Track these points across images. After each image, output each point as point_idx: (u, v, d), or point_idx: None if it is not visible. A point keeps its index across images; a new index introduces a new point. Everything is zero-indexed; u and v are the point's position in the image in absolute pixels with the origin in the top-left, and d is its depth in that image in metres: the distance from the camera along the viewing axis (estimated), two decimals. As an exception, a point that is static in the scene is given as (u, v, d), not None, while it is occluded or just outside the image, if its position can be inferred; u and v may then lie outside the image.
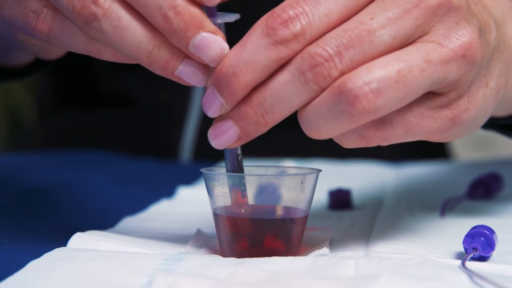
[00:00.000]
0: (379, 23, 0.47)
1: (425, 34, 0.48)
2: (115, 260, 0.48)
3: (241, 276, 0.45)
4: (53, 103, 1.12)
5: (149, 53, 0.49)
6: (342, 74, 0.47)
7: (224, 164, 0.52)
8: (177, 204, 0.72)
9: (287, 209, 0.52)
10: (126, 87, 1.04)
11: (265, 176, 0.54)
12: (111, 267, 0.47)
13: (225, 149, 0.51)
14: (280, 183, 0.52)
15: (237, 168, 0.52)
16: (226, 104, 0.49)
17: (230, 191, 0.52)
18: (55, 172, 0.85)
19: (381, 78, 0.47)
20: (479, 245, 0.51)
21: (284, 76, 0.48)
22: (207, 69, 0.49)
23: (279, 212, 0.52)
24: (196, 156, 1.01)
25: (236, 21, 0.51)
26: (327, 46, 0.47)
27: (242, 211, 0.52)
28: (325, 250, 0.53)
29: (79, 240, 0.53)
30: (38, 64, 0.73)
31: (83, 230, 0.54)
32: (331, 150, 0.97)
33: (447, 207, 0.68)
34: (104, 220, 0.62)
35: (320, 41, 0.47)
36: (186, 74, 0.49)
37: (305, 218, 0.53)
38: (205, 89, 0.49)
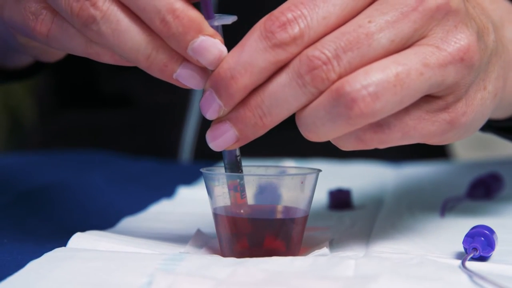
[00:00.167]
0: (377, 26, 0.47)
1: (423, 37, 0.48)
2: (115, 260, 0.48)
3: (241, 276, 0.45)
4: (53, 103, 1.12)
5: (148, 56, 0.49)
6: (340, 77, 0.47)
7: (223, 165, 0.52)
8: (177, 204, 0.72)
9: (287, 209, 0.52)
10: (126, 87, 1.04)
11: (265, 176, 0.54)
12: (111, 267, 0.47)
13: (224, 150, 0.51)
14: (280, 183, 0.52)
15: (236, 169, 0.52)
16: (224, 106, 0.49)
17: (229, 192, 0.52)
18: (55, 172, 0.85)
19: (379, 82, 0.47)
20: (479, 245, 0.51)
21: (282, 78, 0.48)
22: (205, 72, 0.49)
23: (279, 212, 0.52)
24: (196, 156, 1.01)
25: (234, 23, 0.51)
26: (325, 49, 0.47)
27: (242, 211, 0.52)
28: (325, 250, 0.53)
29: (79, 240, 0.53)
30: (38, 66, 0.73)
31: (83, 230, 0.54)
32: (331, 150, 0.97)
33: (447, 207, 0.68)
34: (104, 220, 0.62)
35: (318, 44, 0.47)
36: (184, 77, 0.49)
37: (305, 218, 0.53)
38: (203, 91, 0.49)
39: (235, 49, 0.48)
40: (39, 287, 0.44)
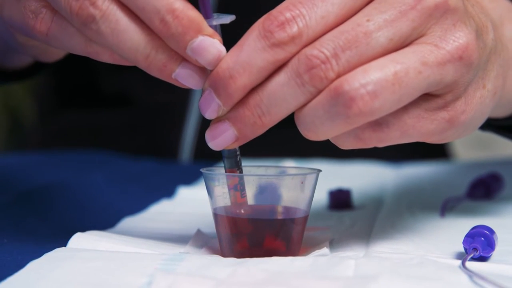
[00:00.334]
0: (375, 25, 0.47)
1: (421, 36, 0.48)
2: (115, 260, 0.48)
3: (241, 276, 0.45)
4: (53, 103, 1.12)
5: (147, 56, 0.49)
6: (338, 76, 0.47)
7: (223, 164, 0.52)
8: (177, 204, 0.72)
9: (287, 209, 0.52)
10: (126, 87, 1.04)
11: (265, 176, 0.54)
12: (111, 267, 0.47)
13: (223, 149, 0.51)
14: (280, 183, 0.52)
15: (236, 168, 0.52)
16: (223, 106, 0.49)
17: (229, 191, 0.52)
18: (55, 172, 0.85)
19: (378, 80, 0.47)
20: (479, 245, 0.51)
21: (281, 78, 0.48)
22: (204, 71, 0.49)
23: (279, 212, 0.52)
24: (196, 156, 1.01)
25: (232, 22, 0.51)
26: (323, 48, 0.47)
27: (242, 211, 0.52)
28: (325, 250, 0.53)
29: (79, 240, 0.53)
30: (38, 67, 0.73)
31: (83, 230, 0.54)
32: (331, 150, 0.97)
33: (447, 207, 0.68)
34: (104, 220, 0.62)
35: (316, 43, 0.47)
36: (183, 77, 0.49)
37: (305, 218, 0.53)
38: (202, 91, 0.49)
39: (233, 49, 0.48)
40: (39, 287, 0.44)
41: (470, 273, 0.46)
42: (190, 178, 0.82)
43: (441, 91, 0.49)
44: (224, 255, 0.52)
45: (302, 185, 0.52)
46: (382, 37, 0.47)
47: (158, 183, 0.83)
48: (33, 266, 0.47)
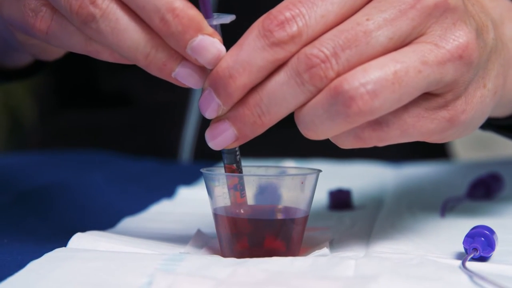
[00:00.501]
0: (375, 24, 0.47)
1: (421, 35, 0.48)
2: (115, 260, 0.48)
3: (241, 276, 0.45)
4: (53, 103, 1.12)
5: (147, 55, 0.49)
6: (338, 75, 0.47)
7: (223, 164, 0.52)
8: (177, 204, 0.72)
9: (287, 209, 0.52)
10: (126, 87, 1.04)
11: (265, 176, 0.54)
12: (111, 267, 0.47)
13: (223, 149, 0.51)
14: (280, 183, 0.52)
15: (235, 165, 0.52)
16: (223, 105, 0.49)
17: (229, 191, 0.52)
18: (55, 172, 0.85)
19: (377, 80, 0.47)
20: (479, 245, 0.51)
21: (280, 77, 0.48)
22: (204, 71, 0.49)
23: (279, 212, 0.52)
24: (196, 156, 1.01)
25: (232, 22, 0.51)
26: (323, 47, 0.47)
27: (242, 211, 0.52)
28: (325, 250, 0.53)
29: (79, 240, 0.53)
30: (38, 66, 0.73)
31: (83, 230, 0.54)
32: (331, 150, 0.97)
33: (447, 207, 0.68)
34: (104, 220, 0.62)
35: (316, 42, 0.47)
36: (183, 76, 0.49)
37: (305, 218, 0.53)
38: (202, 90, 0.49)
39: (233, 48, 0.48)
40: (39, 287, 0.44)
41: (470, 273, 0.46)
42: (190, 178, 0.82)
43: (441, 90, 0.49)
44: (224, 255, 0.52)
45: (302, 185, 0.52)
46: (382, 36, 0.47)
47: (158, 183, 0.83)
48: (33, 266, 0.47)
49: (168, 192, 0.76)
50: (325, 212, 0.69)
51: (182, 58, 0.49)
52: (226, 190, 0.52)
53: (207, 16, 0.49)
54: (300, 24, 0.47)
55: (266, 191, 0.52)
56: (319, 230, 0.59)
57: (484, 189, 0.74)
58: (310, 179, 0.52)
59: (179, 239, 0.55)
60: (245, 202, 0.52)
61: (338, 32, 0.47)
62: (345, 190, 0.71)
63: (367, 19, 0.47)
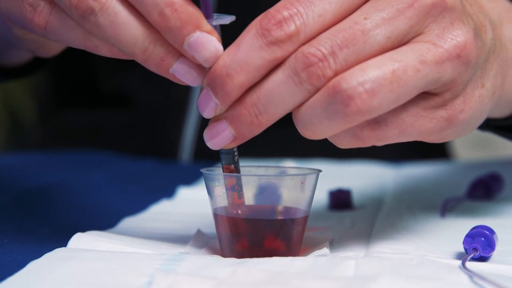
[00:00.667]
0: (373, 23, 0.47)
1: (419, 34, 0.48)
2: (115, 260, 0.48)
3: (241, 276, 0.45)
4: (52, 103, 1.12)
5: (145, 50, 0.49)
6: (336, 74, 0.47)
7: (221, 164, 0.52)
8: (177, 204, 0.72)
9: (287, 209, 0.52)
10: (126, 87, 1.04)
11: (265, 177, 0.54)
12: (111, 267, 0.47)
13: (221, 149, 0.51)
14: (280, 184, 0.52)
15: (233, 165, 0.52)
16: (220, 104, 0.49)
17: (227, 191, 0.52)
18: (55, 172, 0.85)
19: (376, 79, 0.46)
20: (479, 245, 0.51)
21: (278, 76, 0.47)
22: (202, 68, 0.49)
23: (279, 212, 0.52)
24: (196, 156, 1.01)
25: (232, 23, 0.51)
26: (321, 46, 0.47)
27: (239, 211, 0.52)
28: (325, 250, 0.53)
29: (79, 240, 0.53)
30: (37, 64, 0.73)
31: (83, 230, 0.54)
32: (331, 150, 0.97)
33: (447, 207, 0.68)
34: (104, 220, 0.62)
35: (314, 41, 0.47)
36: (180, 72, 0.49)
37: (305, 218, 0.53)
38: (200, 90, 0.49)
39: (231, 47, 0.48)
40: (39, 287, 0.44)
41: (470, 273, 0.46)
42: (190, 178, 0.82)
43: (440, 89, 0.49)
44: (224, 255, 0.52)
45: (302, 185, 0.52)
46: (380, 35, 0.47)
47: (158, 183, 0.83)
48: (33, 266, 0.47)
49: (168, 192, 0.76)
50: (325, 212, 0.69)
51: (180, 54, 0.49)
52: (225, 190, 0.52)
53: (207, 16, 0.49)
54: (298, 23, 0.47)
55: (266, 191, 0.52)
56: (319, 230, 0.59)
57: (484, 189, 0.74)
58: (310, 179, 0.52)
59: (179, 239, 0.55)
60: (243, 203, 0.52)
61: (336, 31, 0.47)
62: (345, 190, 0.71)
63: (365, 18, 0.47)
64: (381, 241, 0.55)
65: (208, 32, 0.48)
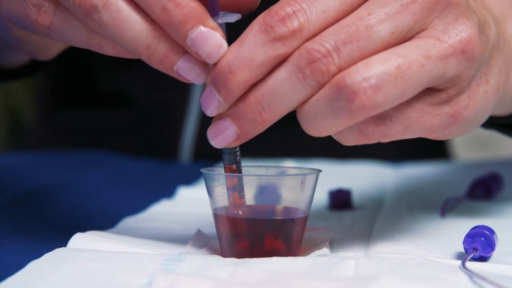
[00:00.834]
0: (376, 18, 0.47)
1: (423, 29, 0.48)
2: (115, 260, 0.48)
3: (241, 276, 0.45)
4: (52, 103, 1.12)
5: (148, 47, 0.49)
6: (340, 70, 0.47)
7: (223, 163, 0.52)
8: (177, 204, 0.72)
9: (287, 209, 0.52)
10: (126, 87, 1.04)
11: (265, 176, 0.54)
12: (111, 267, 0.47)
13: (224, 148, 0.51)
14: (280, 183, 0.52)
15: (235, 166, 0.52)
16: (223, 102, 0.48)
17: (228, 191, 0.52)
18: (55, 172, 0.85)
19: (380, 74, 0.46)
20: (479, 245, 0.51)
21: (281, 73, 0.47)
22: (205, 65, 0.49)
23: (279, 212, 0.52)
24: (196, 156, 1.01)
25: (238, 21, 0.51)
26: (324, 42, 0.47)
27: (240, 212, 0.52)
28: (325, 250, 0.53)
29: (79, 240, 0.53)
30: (35, 66, 0.72)
31: (83, 230, 0.54)
32: (331, 150, 0.97)
33: (447, 207, 0.68)
34: (104, 220, 0.62)
35: (317, 38, 0.47)
36: (184, 69, 0.49)
37: (305, 218, 0.52)
38: (203, 87, 0.49)
39: (234, 44, 0.48)
40: (39, 287, 0.44)
41: (470, 273, 0.46)
42: (190, 178, 0.82)
43: (444, 85, 0.49)
44: (224, 255, 0.52)
45: (302, 185, 0.52)
46: (384, 31, 0.47)
47: (158, 183, 0.83)
48: (33, 266, 0.47)
49: (168, 192, 0.76)
50: (325, 212, 0.69)
51: (184, 51, 0.49)
52: (226, 190, 0.52)
53: (213, 14, 0.49)
54: (301, 19, 0.47)
55: (266, 191, 0.52)
56: (319, 230, 0.59)
57: (484, 189, 0.74)
58: (310, 179, 0.52)
59: (179, 239, 0.55)
60: (244, 203, 0.52)
61: (340, 27, 0.47)
62: (345, 190, 0.71)
63: (369, 14, 0.47)
64: (381, 241, 0.55)
65: (212, 28, 0.48)
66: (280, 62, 0.47)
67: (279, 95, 0.47)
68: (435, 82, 0.49)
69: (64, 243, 0.52)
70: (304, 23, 0.47)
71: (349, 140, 0.49)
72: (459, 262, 0.49)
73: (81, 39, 0.51)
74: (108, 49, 0.51)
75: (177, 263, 0.48)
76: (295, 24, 0.47)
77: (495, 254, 0.52)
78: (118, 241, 0.53)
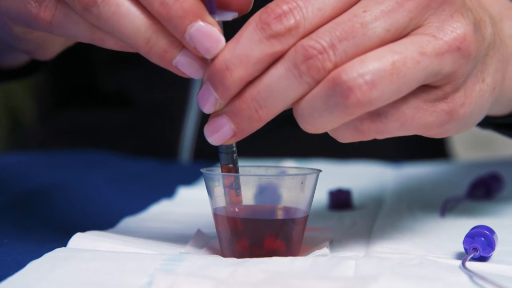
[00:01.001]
0: (372, 15, 0.47)
1: (419, 27, 0.48)
2: (115, 260, 0.48)
3: (241, 276, 0.45)
4: (52, 103, 1.12)
5: (147, 41, 0.49)
6: (336, 66, 0.47)
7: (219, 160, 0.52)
8: (177, 204, 0.72)
9: (287, 209, 0.52)
10: (125, 87, 1.04)
11: (265, 176, 0.54)
12: (111, 267, 0.47)
13: (220, 145, 0.51)
14: (280, 183, 0.52)
15: (231, 165, 0.52)
16: (220, 99, 0.48)
17: (225, 189, 0.52)
18: (55, 172, 0.85)
19: (376, 70, 0.46)
20: (479, 245, 0.51)
21: (277, 70, 0.47)
22: (204, 60, 0.49)
23: (279, 212, 0.52)
24: (195, 156, 1.01)
25: (234, 20, 0.51)
26: (320, 38, 0.47)
27: (236, 209, 0.52)
28: (325, 250, 0.53)
29: (79, 240, 0.53)
30: (35, 66, 0.72)
31: (83, 230, 0.54)
32: (331, 150, 0.97)
33: (447, 207, 0.68)
34: (104, 220, 0.62)
35: (313, 35, 0.47)
36: (183, 64, 0.49)
37: (305, 218, 0.52)
38: (200, 85, 0.49)
39: (231, 42, 0.48)
40: (39, 287, 0.44)
41: (470, 273, 0.46)
42: (190, 178, 0.82)
43: (440, 82, 0.49)
44: (224, 255, 0.52)
45: (302, 185, 0.52)
46: (379, 28, 0.47)
47: (158, 183, 0.83)
48: (33, 266, 0.47)
49: (168, 192, 0.76)
50: (325, 212, 0.69)
51: (183, 46, 0.49)
52: (223, 188, 0.52)
53: (211, 11, 0.49)
54: (298, 17, 0.47)
55: (266, 191, 0.52)
56: (319, 230, 0.59)
57: (484, 189, 0.74)
58: (310, 179, 0.52)
59: (179, 239, 0.55)
60: (241, 201, 0.52)
61: (335, 24, 0.47)
62: (345, 190, 0.71)
63: (364, 11, 0.47)
64: (381, 241, 0.55)
65: (210, 24, 0.48)
66: (276, 60, 0.48)
67: (275, 92, 0.47)
68: (430, 79, 0.49)
69: (64, 243, 0.52)
70: (300, 21, 0.47)
71: (345, 137, 0.49)
72: (459, 262, 0.49)
73: (83, 33, 0.51)
74: (110, 43, 0.51)
75: (177, 263, 0.48)
76: (291, 21, 0.47)
77: (495, 254, 0.52)
78: (118, 241, 0.53)
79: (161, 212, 0.68)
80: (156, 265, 0.48)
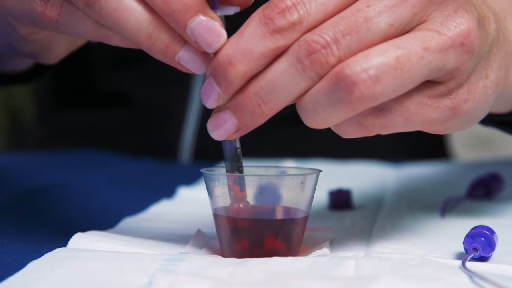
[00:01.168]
0: (375, 10, 0.47)
1: (422, 22, 0.48)
2: (116, 261, 0.48)
3: (241, 276, 0.45)
4: (52, 103, 1.12)
5: (149, 36, 0.49)
6: (339, 61, 0.47)
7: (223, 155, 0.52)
8: (177, 204, 0.72)
9: (287, 209, 0.52)
10: (125, 87, 1.04)
11: (266, 177, 0.54)
12: (111, 268, 0.47)
13: (224, 141, 0.51)
14: (280, 184, 0.52)
15: (236, 162, 0.52)
16: (223, 94, 0.48)
17: (229, 185, 0.51)
18: (55, 172, 0.85)
19: (379, 65, 0.46)
20: (480, 245, 0.51)
21: (281, 64, 0.47)
22: (206, 55, 0.49)
23: (280, 212, 0.52)
24: (196, 156, 1.01)
25: (236, 14, 0.51)
26: (324, 33, 0.47)
27: (241, 205, 0.52)
28: (325, 250, 0.53)
29: (79, 240, 0.53)
30: (38, 70, 0.72)
31: (83, 230, 0.54)
32: (331, 150, 0.97)
33: (447, 207, 0.68)
34: (104, 220, 0.62)
35: (317, 29, 0.47)
36: (186, 59, 0.49)
37: (305, 219, 0.52)
38: (203, 80, 0.49)
39: (234, 36, 0.48)
40: (39, 287, 0.44)
41: (470, 273, 0.46)
42: (190, 178, 0.82)
43: (444, 78, 0.49)
44: (224, 255, 0.52)
45: (302, 185, 0.52)
46: (383, 23, 0.47)
47: (158, 183, 0.83)
48: (33, 266, 0.47)
49: (168, 192, 0.76)
50: (325, 212, 0.69)
51: (185, 41, 0.49)
52: (226, 190, 0.52)
53: (213, 6, 0.49)
54: (301, 12, 0.47)
55: (266, 191, 0.52)
56: (319, 230, 0.59)
57: (484, 189, 0.74)
58: (310, 179, 0.52)
59: (179, 239, 0.55)
60: (245, 196, 0.52)
61: (339, 18, 0.47)
62: (345, 190, 0.71)
63: (368, 6, 0.47)
64: (381, 241, 0.55)
65: (211, 18, 0.48)
66: (279, 54, 0.47)
67: (279, 87, 0.47)
68: (434, 75, 0.49)
69: (64, 243, 0.52)
70: (303, 16, 0.47)
71: (348, 133, 0.49)
72: (459, 262, 0.49)
73: (89, 31, 0.51)
74: (116, 40, 0.51)
75: (177, 263, 0.48)
76: (295, 16, 0.47)
77: (495, 254, 0.52)
78: (118, 241, 0.53)
79: (161, 212, 0.68)
80: (156, 265, 0.48)
